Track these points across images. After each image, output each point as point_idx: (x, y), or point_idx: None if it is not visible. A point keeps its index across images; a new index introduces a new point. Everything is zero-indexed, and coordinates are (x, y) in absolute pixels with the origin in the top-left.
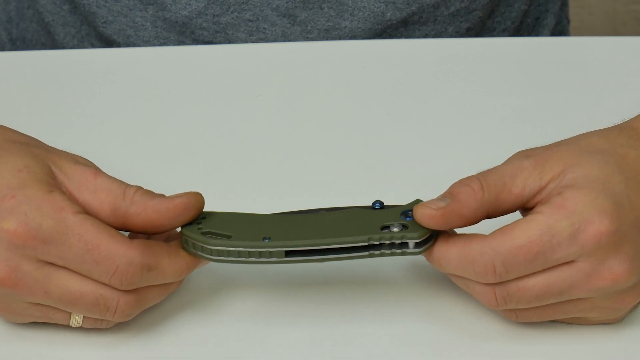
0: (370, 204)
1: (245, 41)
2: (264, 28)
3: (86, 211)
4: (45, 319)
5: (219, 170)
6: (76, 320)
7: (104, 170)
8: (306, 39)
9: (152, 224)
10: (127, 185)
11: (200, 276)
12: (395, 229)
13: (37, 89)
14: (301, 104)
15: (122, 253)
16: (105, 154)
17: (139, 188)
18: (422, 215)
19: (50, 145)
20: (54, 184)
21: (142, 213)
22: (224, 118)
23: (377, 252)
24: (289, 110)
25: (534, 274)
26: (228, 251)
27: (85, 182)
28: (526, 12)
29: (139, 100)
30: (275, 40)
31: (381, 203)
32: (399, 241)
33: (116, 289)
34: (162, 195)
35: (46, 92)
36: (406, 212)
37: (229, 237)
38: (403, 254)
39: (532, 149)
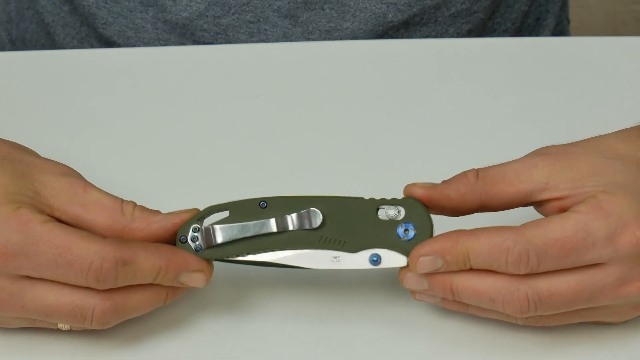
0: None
1: (246, 42)
2: (265, 29)
3: (77, 224)
4: (34, 325)
5: (219, 171)
6: (63, 325)
7: (106, 171)
8: (307, 40)
9: (155, 239)
10: (123, 200)
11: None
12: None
13: (37, 89)
14: (301, 104)
15: (95, 250)
16: (105, 155)
17: (135, 204)
18: (409, 191)
19: (38, 151)
20: (27, 201)
21: (146, 229)
22: (224, 118)
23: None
24: (289, 110)
25: (564, 274)
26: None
27: (74, 195)
28: (526, 13)
29: (139, 101)
30: (276, 41)
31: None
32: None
33: (95, 289)
34: (159, 212)
35: (46, 92)
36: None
37: (226, 208)
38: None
39: (549, 146)
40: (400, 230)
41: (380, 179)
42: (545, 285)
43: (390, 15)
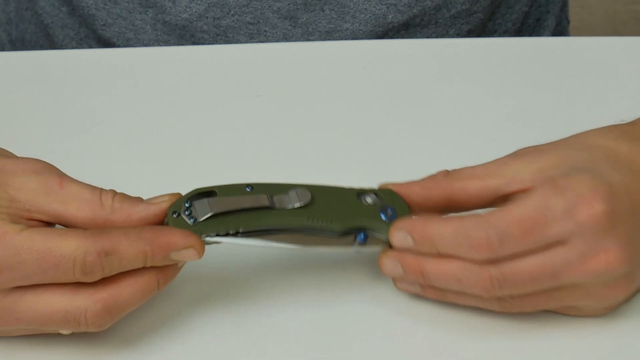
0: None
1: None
2: (265, 31)
3: (59, 222)
4: (35, 333)
5: (219, 171)
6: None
7: (105, 172)
8: (307, 41)
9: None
10: (101, 191)
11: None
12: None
13: (37, 89)
14: (301, 104)
15: (75, 246)
16: (105, 155)
17: (114, 193)
18: (381, 185)
19: (38, 151)
20: (3, 211)
21: (127, 220)
22: (224, 118)
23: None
24: (290, 110)
25: (528, 254)
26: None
27: (51, 194)
28: (527, 14)
29: (139, 101)
30: (276, 42)
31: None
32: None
33: (85, 292)
34: (140, 199)
35: (46, 92)
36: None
37: (213, 193)
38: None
39: (525, 147)
40: (382, 213)
41: (380, 179)
42: (509, 264)
43: (390, 17)
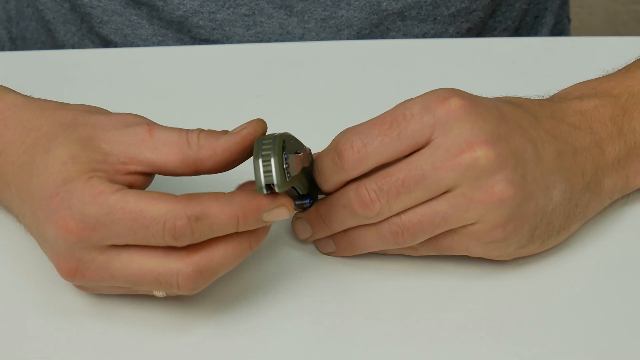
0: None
1: (243, 36)
2: (261, 21)
3: (154, 170)
4: (130, 292)
5: None
6: (158, 292)
7: None
8: (304, 29)
9: (226, 163)
10: (188, 131)
11: None
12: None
13: (37, 89)
14: (301, 104)
15: (166, 209)
16: None
17: (200, 131)
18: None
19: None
20: (99, 167)
21: (213, 155)
22: (224, 118)
23: None
24: (289, 110)
25: (418, 205)
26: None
27: (142, 142)
28: (526, 11)
29: (139, 101)
30: (273, 32)
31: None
32: None
33: (177, 254)
34: (226, 132)
35: (46, 92)
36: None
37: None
38: None
39: None
40: None
41: None
42: (401, 217)
43: (384, 4)
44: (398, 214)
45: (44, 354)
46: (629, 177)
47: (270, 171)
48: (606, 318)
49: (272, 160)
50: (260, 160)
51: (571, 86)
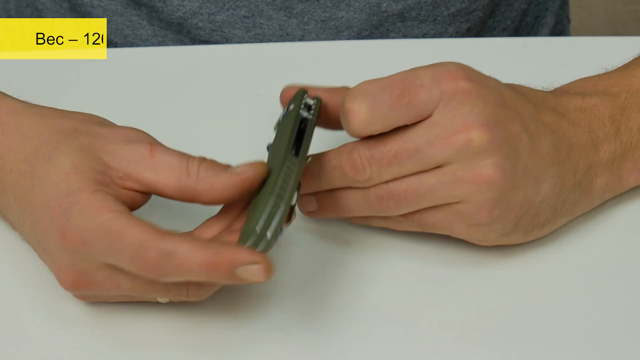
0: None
1: (242, 37)
2: (261, 23)
3: (150, 190)
4: (134, 300)
5: None
6: (162, 298)
7: None
8: (304, 30)
9: (222, 200)
10: (189, 158)
11: None
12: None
13: (37, 89)
14: None
15: (142, 239)
16: None
17: (202, 161)
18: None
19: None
20: (101, 180)
21: (210, 191)
22: (224, 118)
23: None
24: None
25: (407, 176)
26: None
27: (142, 161)
28: (525, 11)
29: (139, 100)
30: (272, 34)
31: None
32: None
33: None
34: (228, 167)
35: (46, 92)
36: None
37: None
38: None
39: None
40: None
41: None
42: (389, 185)
43: (384, 5)
44: (387, 181)
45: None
46: (622, 177)
47: (269, 227)
48: (604, 317)
49: (279, 213)
50: (270, 206)
51: (572, 82)
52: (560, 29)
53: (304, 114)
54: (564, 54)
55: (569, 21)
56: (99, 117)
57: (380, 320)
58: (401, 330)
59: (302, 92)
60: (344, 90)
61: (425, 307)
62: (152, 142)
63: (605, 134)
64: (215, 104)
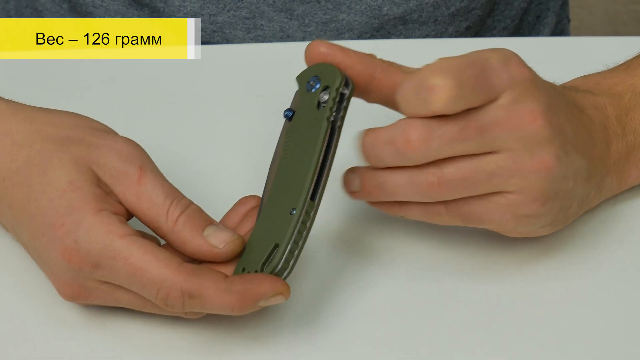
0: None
1: (243, 38)
2: (262, 24)
3: (133, 213)
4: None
5: (219, 171)
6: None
7: None
8: (304, 32)
9: (191, 259)
10: (174, 201)
11: None
12: (326, 96)
13: (36, 89)
14: None
15: (165, 277)
16: None
17: (182, 211)
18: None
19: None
20: (99, 195)
21: (180, 247)
22: (224, 118)
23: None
24: None
25: (464, 158)
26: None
27: (129, 185)
28: (526, 11)
29: (139, 100)
30: (273, 35)
31: (289, 110)
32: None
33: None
34: (210, 224)
35: (46, 91)
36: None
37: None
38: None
39: None
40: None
41: None
42: (447, 166)
43: (385, 8)
44: (439, 165)
45: None
46: (623, 177)
47: (287, 268)
48: (604, 317)
49: (294, 256)
50: (286, 246)
51: (574, 79)
52: (560, 29)
53: (332, 116)
54: (564, 53)
55: (569, 21)
56: (90, 120)
57: (380, 320)
58: (401, 331)
59: (340, 78)
60: (394, 65)
61: (426, 308)
62: (143, 166)
63: (614, 132)
64: (216, 104)
